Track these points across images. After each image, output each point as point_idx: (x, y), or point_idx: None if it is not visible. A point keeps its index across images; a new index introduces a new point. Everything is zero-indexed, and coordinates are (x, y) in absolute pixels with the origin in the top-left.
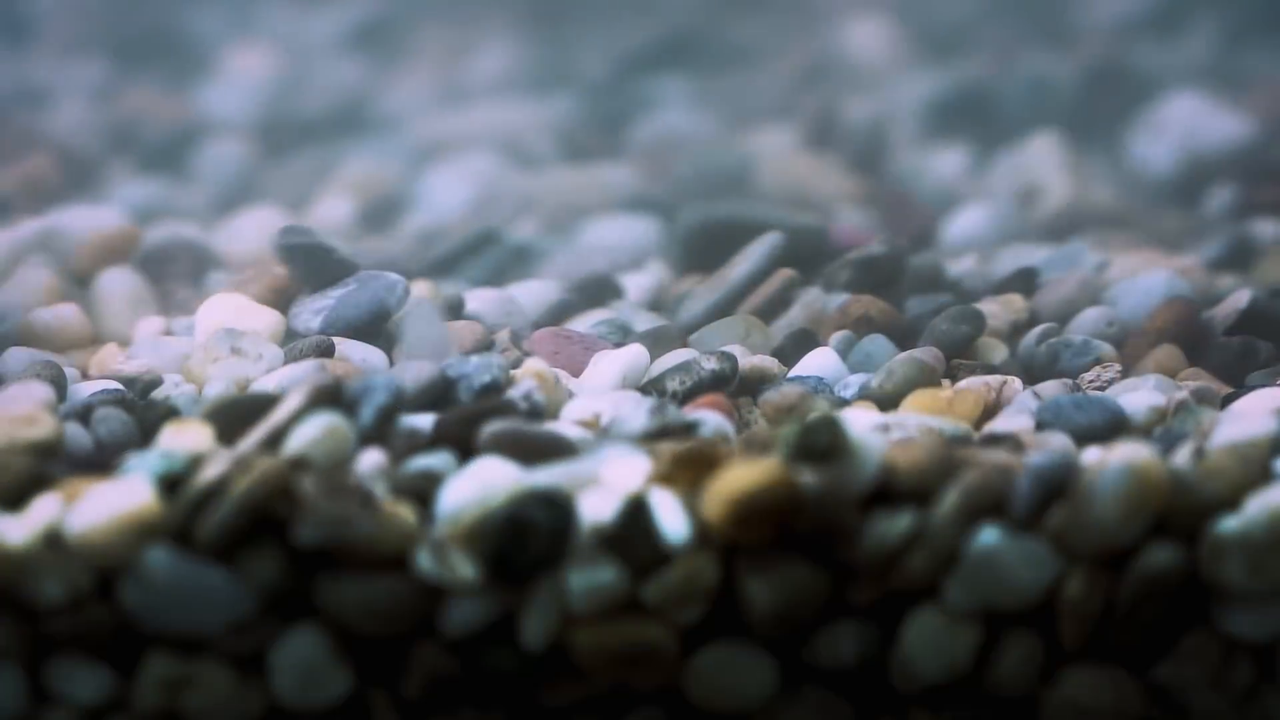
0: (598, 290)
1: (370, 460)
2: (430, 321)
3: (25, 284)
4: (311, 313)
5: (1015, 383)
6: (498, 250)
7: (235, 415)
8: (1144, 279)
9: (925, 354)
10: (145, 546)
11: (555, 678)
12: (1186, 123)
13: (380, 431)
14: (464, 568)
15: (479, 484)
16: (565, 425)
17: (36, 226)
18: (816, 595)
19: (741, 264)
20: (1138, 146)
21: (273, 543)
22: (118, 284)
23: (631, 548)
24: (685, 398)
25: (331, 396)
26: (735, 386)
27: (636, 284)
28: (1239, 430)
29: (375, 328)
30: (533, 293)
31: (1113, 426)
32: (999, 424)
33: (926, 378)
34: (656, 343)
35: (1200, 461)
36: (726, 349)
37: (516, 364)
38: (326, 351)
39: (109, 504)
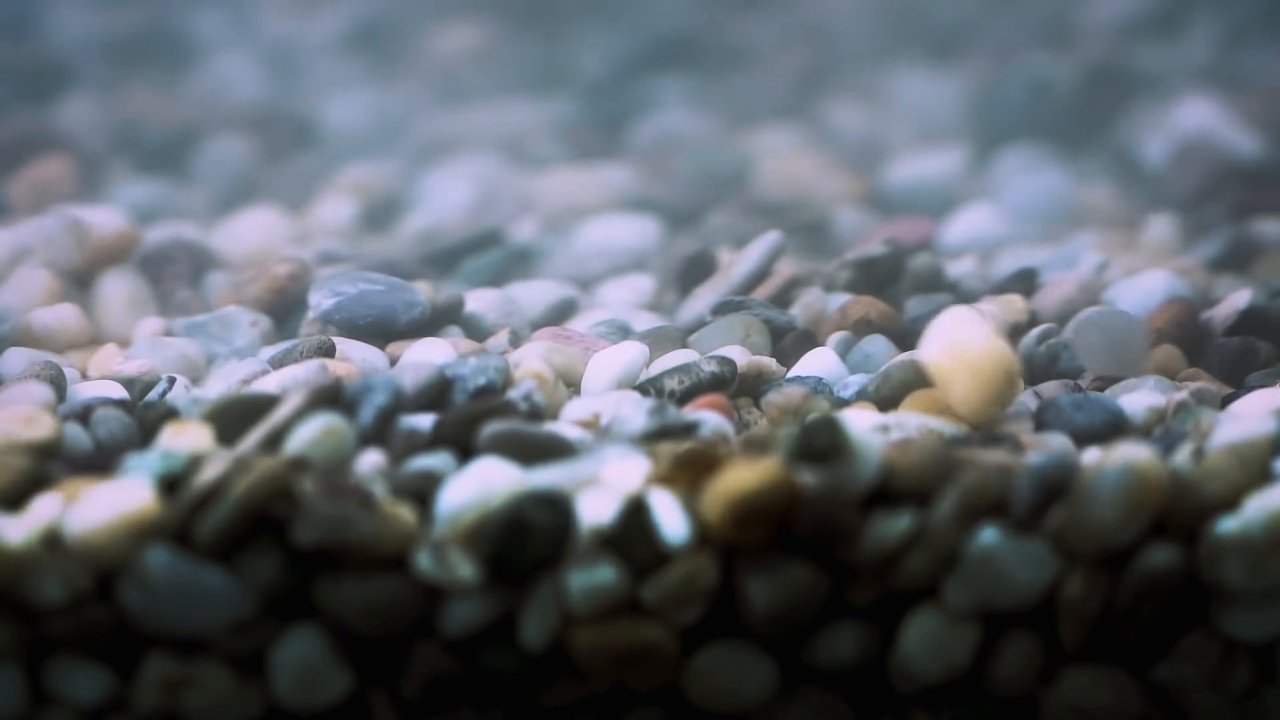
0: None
1: (370, 460)
2: (1115, 330)
3: (25, 284)
4: (329, 293)
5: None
6: (498, 251)
7: (235, 416)
8: (1143, 279)
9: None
10: (145, 547)
11: (554, 678)
12: (1195, 128)
13: (380, 432)
14: (463, 568)
15: (479, 484)
16: (565, 426)
17: (36, 227)
18: (816, 595)
19: (742, 263)
20: (1145, 148)
21: (272, 543)
22: (117, 285)
23: (631, 548)
24: (684, 398)
25: (331, 397)
26: (735, 388)
27: (637, 285)
28: (1238, 431)
29: (376, 331)
30: (540, 292)
31: (1112, 427)
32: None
33: (924, 380)
34: (656, 343)
35: (1199, 462)
36: (726, 350)
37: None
38: (328, 352)
39: (108, 504)
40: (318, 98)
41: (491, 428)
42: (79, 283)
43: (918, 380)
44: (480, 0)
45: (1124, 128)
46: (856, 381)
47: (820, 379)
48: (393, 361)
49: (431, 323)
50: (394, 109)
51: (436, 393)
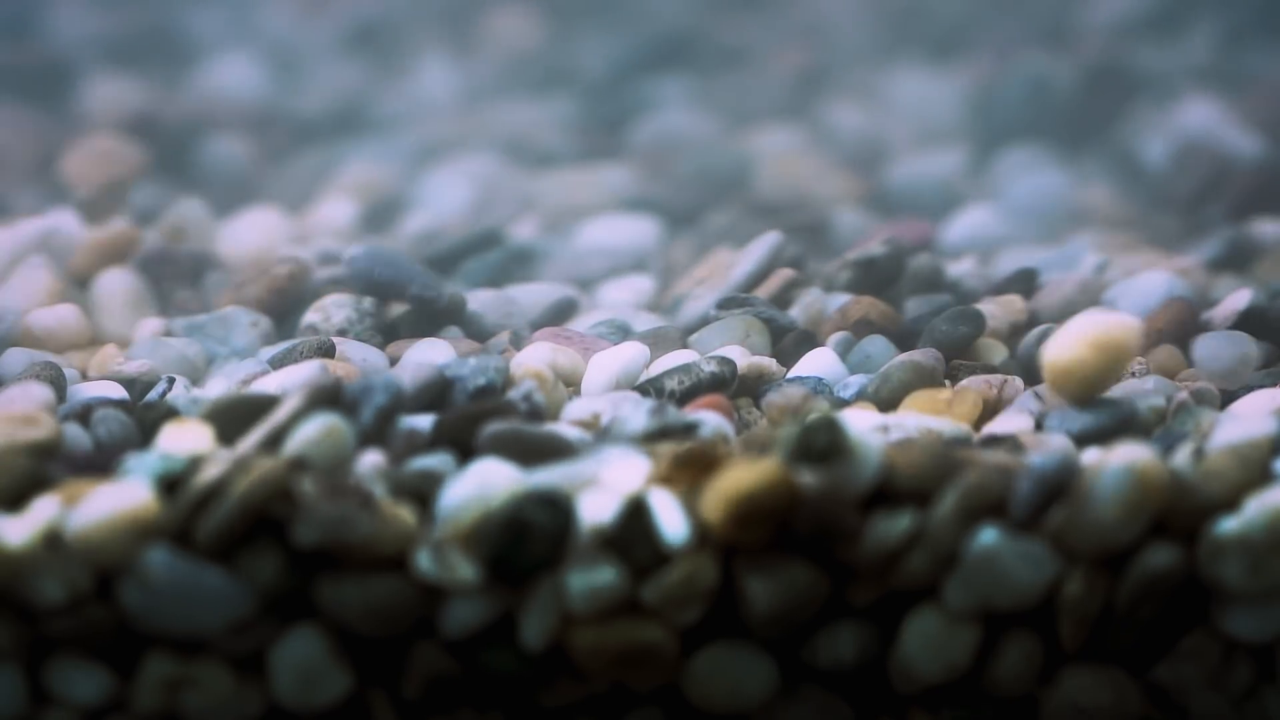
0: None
1: (370, 461)
2: (1229, 342)
3: (25, 285)
4: (362, 247)
5: (1016, 382)
6: (498, 251)
7: (235, 416)
8: (1143, 280)
9: (923, 356)
10: (145, 547)
11: (554, 678)
12: (1195, 128)
13: (380, 432)
14: (463, 568)
15: (479, 484)
16: (565, 426)
17: (36, 227)
18: (816, 595)
19: (742, 263)
20: (1145, 148)
21: (272, 543)
22: (117, 285)
23: (631, 548)
24: (684, 398)
25: (331, 397)
26: (735, 388)
27: (636, 286)
28: (1238, 431)
29: (384, 292)
30: (540, 292)
31: (1113, 427)
32: (999, 425)
33: (924, 381)
34: (656, 343)
35: (1199, 462)
36: (726, 350)
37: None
38: (328, 352)
39: (108, 504)
40: (399, 72)
41: (491, 428)
42: (79, 283)
43: (918, 380)
44: (479, 1)
45: (1124, 128)
46: (856, 382)
47: (820, 379)
48: (393, 362)
49: (436, 315)
50: (476, 84)
51: (436, 393)
